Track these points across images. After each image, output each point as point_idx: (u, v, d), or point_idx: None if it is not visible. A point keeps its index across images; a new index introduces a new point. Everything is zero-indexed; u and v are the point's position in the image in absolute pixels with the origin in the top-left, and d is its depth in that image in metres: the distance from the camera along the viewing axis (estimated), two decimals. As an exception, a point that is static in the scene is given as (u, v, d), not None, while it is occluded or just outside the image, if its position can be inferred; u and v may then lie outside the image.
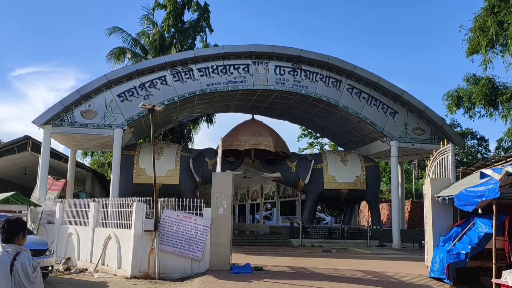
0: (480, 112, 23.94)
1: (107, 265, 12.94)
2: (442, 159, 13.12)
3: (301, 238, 22.36)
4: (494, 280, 8.35)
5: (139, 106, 12.42)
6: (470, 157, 41.43)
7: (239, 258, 14.59)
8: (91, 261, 13.56)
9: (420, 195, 41.44)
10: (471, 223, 11.47)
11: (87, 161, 43.20)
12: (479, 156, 41.17)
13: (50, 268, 11.50)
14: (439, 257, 11.36)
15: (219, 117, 45.88)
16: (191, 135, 34.69)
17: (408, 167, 43.68)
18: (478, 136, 43.20)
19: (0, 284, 3.35)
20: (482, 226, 11.00)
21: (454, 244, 11.29)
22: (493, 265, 9.01)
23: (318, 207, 37.19)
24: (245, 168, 28.76)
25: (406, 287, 10.65)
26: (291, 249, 20.30)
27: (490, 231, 10.36)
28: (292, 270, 12.59)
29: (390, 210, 32.66)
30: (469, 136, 42.42)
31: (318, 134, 43.16)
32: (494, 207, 8.96)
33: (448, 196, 11.28)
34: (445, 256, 10.98)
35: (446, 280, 10.85)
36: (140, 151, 22.32)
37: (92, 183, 28.45)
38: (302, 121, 28.41)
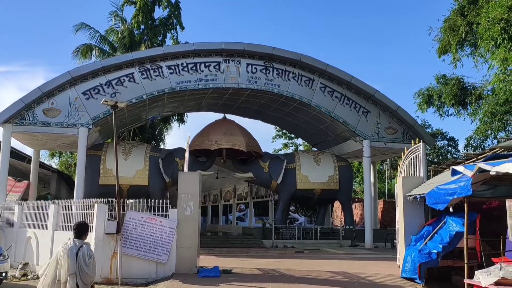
0: (448, 111, 24.22)
1: (67, 271, 12.23)
2: (413, 157, 12.96)
3: (274, 239, 22.00)
4: (466, 281, 8.13)
5: (101, 102, 11.80)
6: (440, 157, 42.05)
7: (208, 261, 14.10)
8: (50, 267, 12.81)
9: (392, 195, 41.71)
10: (442, 221, 11.31)
11: (54, 162, 41.85)
12: (449, 156, 41.84)
13: (4, 274, 10.67)
14: (410, 257, 11.16)
15: (190, 117, 45.18)
16: (163, 135, 33.97)
17: (381, 167, 44.05)
18: (448, 137, 44.04)
19: (70, 263, 5.19)
20: (453, 225, 10.85)
21: (426, 243, 11.10)
22: (465, 265, 8.81)
23: (292, 207, 36.96)
24: (217, 168, 28.24)
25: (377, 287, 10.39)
26: (263, 250, 19.91)
27: (461, 229, 10.19)
28: (262, 273, 12.18)
29: (363, 210, 32.70)
30: (439, 137, 43.08)
31: (293, 135, 43.06)
32: (465, 205, 8.77)
33: (419, 194, 11.08)
34: (417, 256, 10.78)
35: (417, 280, 10.64)
36: (107, 151, 21.53)
37: (58, 184, 27.37)
38: (275, 121, 28.10)
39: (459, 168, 7.67)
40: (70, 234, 12.12)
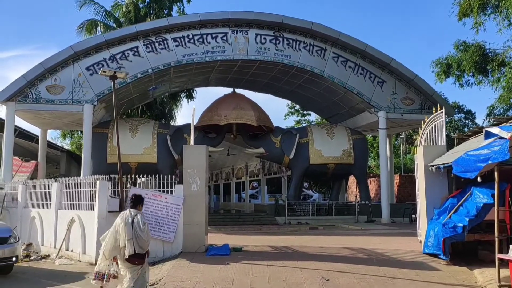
0: (469, 80, 23.24)
1: (72, 251, 11.81)
2: (434, 126, 12.08)
3: (287, 216, 21.40)
4: (499, 255, 7.35)
5: (100, 73, 11.10)
6: (457, 130, 40.90)
7: (219, 239, 13.53)
8: (55, 247, 12.40)
9: (408, 170, 40.82)
10: (468, 193, 10.51)
11: (66, 143, 41.76)
12: (466, 130, 40.63)
13: (14, 259, 9.59)
14: (433, 231, 10.41)
15: (199, 93, 44.40)
16: (172, 113, 33.34)
17: (396, 142, 43.12)
18: (465, 110, 42.95)
19: (127, 230, 5.80)
20: (480, 196, 10.05)
21: (450, 216, 10.34)
22: (496, 239, 8.02)
23: (306, 184, 36.29)
24: (228, 145, 27.54)
25: (398, 265, 9.67)
26: (275, 227, 19.34)
27: (489, 201, 9.42)
28: (274, 250, 11.55)
29: (379, 185, 31.83)
30: (456, 110, 41.85)
31: (305, 112, 42.22)
32: (496, 173, 7.93)
33: (443, 164, 10.24)
34: (440, 230, 10.03)
35: (441, 256, 9.91)
36: (113, 129, 20.92)
37: (68, 164, 27.05)
38: (286, 94, 27.11)
39: (494, 130, 6.81)
40: (73, 213, 11.73)
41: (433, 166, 10.73)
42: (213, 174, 40.65)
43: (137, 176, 11.89)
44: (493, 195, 9.38)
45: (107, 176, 11.13)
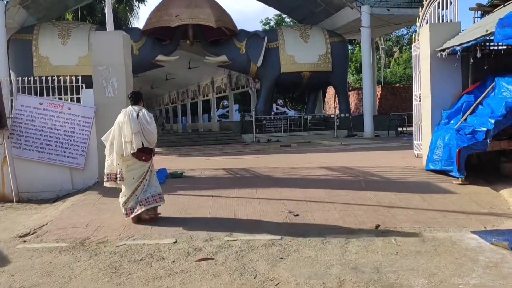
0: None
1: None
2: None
3: (255, 133, 18.49)
4: None
5: None
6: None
7: (166, 163, 10.47)
8: None
9: (389, 83, 37.92)
10: (490, 87, 7.62)
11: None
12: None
13: None
14: (442, 140, 7.60)
15: None
16: (128, 22, 28.97)
17: (376, 56, 39.90)
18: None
19: (133, 124, 5.44)
20: (510, 89, 7.19)
21: (465, 119, 7.51)
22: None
23: (280, 100, 33.28)
24: (189, 56, 23.79)
25: (395, 187, 6.94)
26: (241, 146, 16.47)
27: (524, 94, 6.55)
28: (228, 174, 8.64)
29: (358, 99, 29.06)
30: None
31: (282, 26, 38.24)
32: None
33: (461, 44, 7.16)
34: (454, 138, 7.21)
35: (453, 173, 7.19)
36: (39, 35, 17.04)
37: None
38: (252, -8, 22.95)
39: None
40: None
41: (444, 50, 7.64)
42: (178, 94, 37.18)
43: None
44: (531, 86, 6.53)
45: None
